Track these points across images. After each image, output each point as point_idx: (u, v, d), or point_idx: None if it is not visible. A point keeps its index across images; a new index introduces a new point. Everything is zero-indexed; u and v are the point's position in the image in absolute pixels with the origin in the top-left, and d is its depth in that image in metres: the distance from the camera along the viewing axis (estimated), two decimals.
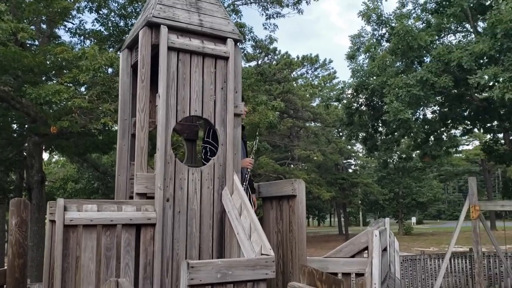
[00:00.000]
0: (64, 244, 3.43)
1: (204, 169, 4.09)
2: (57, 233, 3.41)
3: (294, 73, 34.70)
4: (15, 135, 15.85)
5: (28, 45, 15.42)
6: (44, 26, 15.51)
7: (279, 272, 4.56)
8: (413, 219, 59.99)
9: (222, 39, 4.29)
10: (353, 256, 4.66)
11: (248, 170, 4.56)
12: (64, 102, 10.56)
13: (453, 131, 18.32)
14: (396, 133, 17.20)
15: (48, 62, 11.45)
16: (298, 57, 33.71)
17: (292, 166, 32.12)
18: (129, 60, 4.43)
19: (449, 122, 16.92)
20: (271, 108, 13.45)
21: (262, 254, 3.58)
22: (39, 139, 14.24)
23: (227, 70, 4.25)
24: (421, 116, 17.21)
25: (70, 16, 14.02)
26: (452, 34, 17.56)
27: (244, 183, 4.45)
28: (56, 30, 16.44)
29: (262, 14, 15.93)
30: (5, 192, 17.99)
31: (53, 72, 12.07)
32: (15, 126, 16.00)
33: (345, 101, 18.57)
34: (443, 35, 16.88)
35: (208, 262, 3.23)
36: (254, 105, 13.14)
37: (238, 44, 4.42)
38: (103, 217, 3.56)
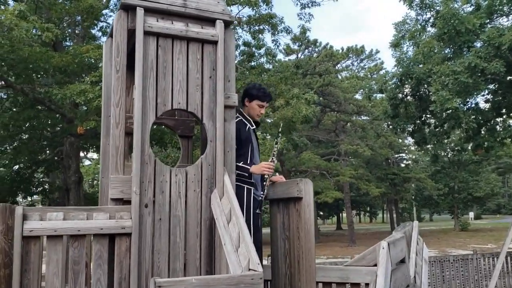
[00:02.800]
0: (23, 258, 3.04)
1: (190, 170, 3.58)
2: (14, 246, 3.01)
3: (338, 65, 33.69)
4: (48, 135, 16.07)
5: (65, 46, 15.60)
6: (78, 28, 15.61)
7: (287, 284, 4.01)
8: (471, 214, 57.26)
9: (211, 21, 3.76)
10: (377, 265, 4.03)
11: (266, 177, 3.89)
12: (89, 103, 10.40)
13: (509, 120, 16.92)
14: (445, 125, 16.07)
15: (75, 62, 11.36)
16: (342, 49, 32.69)
17: (338, 161, 31.16)
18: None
19: (503, 111, 15.58)
20: (304, 101, 12.78)
21: (249, 270, 3.03)
22: (75, 139, 14.33)
23: (216, 56, 3.71)
24: (472, 105, 16.00)
25: (101, 15, 13.96)
26: (505, 16, 16.16)
27: (262, 193, 3.87)
28: (92, 30, 16.55)
29: (297, 4, 15.25)
30: (45, 193, 18.38)
31: (81, 72, 11.99)
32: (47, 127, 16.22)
33: (389, 92, 17.58)
34: (494, 17, 15.55)
35: (179, 281, 2.72)
36: (287, 99, 12.54)
37: (230, 26, 3.88)
38: (69, 227, 3.14)
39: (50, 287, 3.07)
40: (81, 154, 19.06)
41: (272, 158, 3.93)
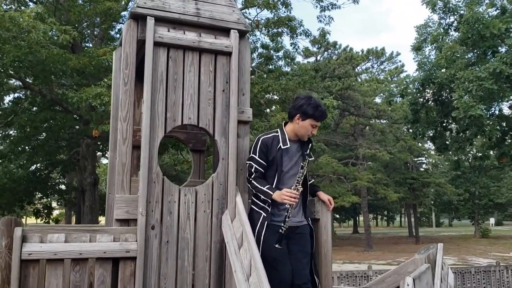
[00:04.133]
0: (21, 283, 2.87)
1: (200, 189, 3.37)
2: (12, 270, 2.84)
3: (358, 67, 33.27)
4: (65, 136, 16.10)
5: (84, 47, 15.60)
6: (97, 29, 15.60)
7: None
8: (492, 220, 56.08)
9: (225, 31, 3.55)
10: None
11: (288, 206, 3.19)
12: (105, 106, 10.31)
13: None
14: (468, 131, 15.61)
15: (92, 64, 11.30)
16: (362, 51, 32.26)
17: (356, 166, 30.73)
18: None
19: None
20: None
21: None
22: (92, 141, 14.29)
23: (230, 68, 3.50)
24: (496, 112, 15.49)
25: (119, 17, 13.90)
26: None
27: (283, 225, 3.18)
28: (111, 32, 16.53)
29: (316, 6, 14.96)
30: (61, 194, 18.44)
31: (98, 74, 11.93)
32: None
33: (409, 97, 17.15)
34: None
35: None
36: None
37: (245, 36, 3.66)
38: (70, 250, 2.96)
39: None
40: (98, 153, 19.07)
41: (296, 185, 3.24)
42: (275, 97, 14.89)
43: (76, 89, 11.87)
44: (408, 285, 2.50)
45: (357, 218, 58.30)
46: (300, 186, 3.24)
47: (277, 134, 3.46)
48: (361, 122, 30.39)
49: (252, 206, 3.44)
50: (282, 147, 3.39)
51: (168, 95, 3.34)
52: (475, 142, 26.62)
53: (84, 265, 3.02)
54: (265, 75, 14.22)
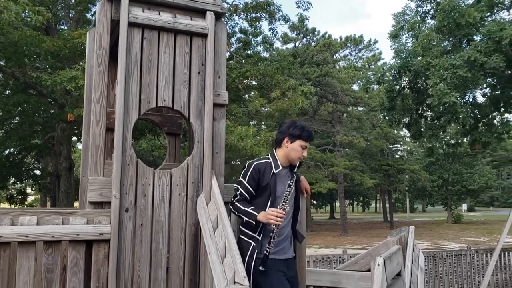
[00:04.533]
0: None
1: (175, 172, 3.36)
2: None
3: (336, 54, 33.39)
4: (39, 120, 15.77)
5: (59, 30, 15.24)
6: (72, 11, 15.24)
7: None
8: (464, 206, 57.50)
9: (200, 13, 3.51)
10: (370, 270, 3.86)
11: (273, 226, 3.11)
12: (80, 90, 10.12)
13: (506, 115, 16.75)
14: (442, 119, 15.88)
15: (67, 47, 11.05)
16: (341, 38, 32.36)
17: (333, 152, 31.01)
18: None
19: (501, 105, 15.38)
20: (301, 93, 12.52)
21: (235, 283, 2.84)
22: (67, 125, 14.04)
23: (206, 49, 3.47)
24: (470, 100, 15.78)
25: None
26: (506, 10, 15.87)
27: (268, 247, 3.11)
28: (87, 14, 16.17)
29: None
30: (36, 179, 18.12)
31: (73, 57, 11.67)
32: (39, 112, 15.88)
33: (386, 84, 17.33)
34: (495, 11, 15.26)
35: None
36: (283, 90, 12.28)
37: (221, 18, 3.63)
38: (42, 232, 2.92)
39: None
40: (74, 138, 18.76)
41: (283, 205, 3.13)
42: (254, 82, 14.85)
43: (51, 72, 11.61)
44: (378, 265, 2.55)
45: (334, 204, 59.00)
46: (287, 206, 3.14)
47: (269, 160, 3.36)
48: (338, 109, 30.60)
49: (241, 236, 3.28)
50: (275, 171, 3.30)
51: (143, 77, 3.30)
52: (449, 130, 27.14)
53: (56, 248, 2.99)
54: (243, 60, 14.14)
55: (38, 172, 19.62)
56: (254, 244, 3.20)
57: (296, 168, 3.34)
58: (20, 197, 19.00)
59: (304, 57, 23.76)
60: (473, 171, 42.58)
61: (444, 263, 11.19)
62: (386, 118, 18.18)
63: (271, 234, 3.12)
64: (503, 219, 9.91)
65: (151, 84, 3.31)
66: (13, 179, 17.60)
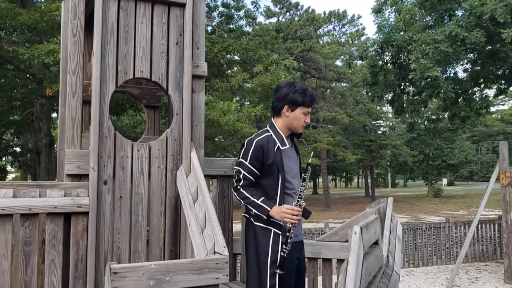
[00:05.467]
0: None
1: (154, 145, 3.33)
2: None
3: (320, 30, 33.21)
4: (18, 96, 15.46)
5: (35, 2, 14.82)
6: None
7: None
8: (444, 181, 58.57)
9: None
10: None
11: (290, 225, 2.78)
12: (59, 64, 9.91)
13: (486, 91, 16.96)
14: (423, 94, 16.02)
15: (44, 20, 10.76)
16: (324, 13, 32.13)
17: (316, 128, 31.14)
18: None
19: (481, 81, 15.56)
20: (284, 68, 12.46)
21: (215, 253, 2.86)
22: (46, 101, 13.80)
23: (184, 20, 3.41)
24: (451, 75, 15.93)
25: None
26: None
27: (285, 248, 2.79)
28: None
29: None
30: (16, 156, 17.87)
31: (51, 31, 11.39)
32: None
33: (369, 60, 17.35)
34: None
35: (137, 266, 2.52)
36: (266, 65, 12.19)
37: None
38: (19, 205, 2.89)
39: None
40: (54, 114, 18.48)
41: (298, 201, 2.78)
42: (236, 57, 14.72)
43: (28, 47, 11.33)
44: (355, 233, 2.58)
45: (317, 179, 59.59)
46: (303, 202, 2.80)
47: (270, 133, 2.96)
48: (322, 85, 30.61)
49: (256, 223, 2.90)
50: (281, 147, 2.92)
51: (119, 47, 3.24)
52: (430, 105, 27.40)
53: (34, 221, 2.96)
54: (225, 35, 13.99)
55: (18, 149, 19.34)
56: (276, 230, 2.86)
57: (310, 159, 3.00)
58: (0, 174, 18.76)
59: (288, 32, 23.60)
60: (453, 146, 43.25)
61: (424, 235, 11.43)
62: (369, 93, 18.27)
63: (287, 234, 2.78)
64: (482, 193, 10.14)
65: (128, 55, 3.25)
66: None
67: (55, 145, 16.41)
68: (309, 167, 2.85)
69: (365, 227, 2.79)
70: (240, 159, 2.91)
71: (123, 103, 12.44)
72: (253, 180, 2.89)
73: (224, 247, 2.81)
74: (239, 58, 14.60)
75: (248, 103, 17.12)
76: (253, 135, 3.01)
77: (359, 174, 71.24)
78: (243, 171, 2.88)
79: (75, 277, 3.04)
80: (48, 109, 14.17)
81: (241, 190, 2.89)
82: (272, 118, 3.06)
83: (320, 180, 48.52)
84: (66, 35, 3.51)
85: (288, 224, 2.78)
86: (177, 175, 3.35)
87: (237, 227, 5.66)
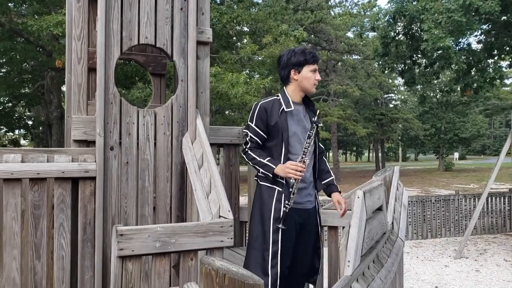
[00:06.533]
0: None
1: (159, 111, 3.34)
2: None
3: (331, 0, 32.64)
4: (28, 68, 15.50)
5: None
6: None
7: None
8: (456, 155, 58.21)
9: None
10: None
11: (293, 181, 2.87)
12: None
13: (500, 62, 16.65)
14: (435, 65, 15.81)
15: None
16: None
17: (327, 102, 30.96)
18: None
19: (495, 52, 15.27)
20: (293, 39, 12.30)
21: (220, 217, 2.90)
22: (56, 73, 13.85)
23: None
24: (464, 46, 15.65)
25: None
26: None
27: (287, 203, 2.87)
28: None
29: None
30: (28, 128, 18.06)
31: (59, 1, 11.34)
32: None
33: (380, 31, 17.09)
34: None
35: (143, 229, 2.57)
36: (275, 36, 12.04)
37: None
38: (27, 170, 2.94)
39: (9, 232, 2.92)
40: (64, 88, 18.56)
41: (302, 158, 2.84)
42: (245, 28, 14.57)
43: (37, 18, 11.31)
44: (358, 197, 2.60)
45: (327, 153, 59.58)
46: (307, 158, 2.87)
47: (278, 97, 3.02)
48: (333, 57, 30.26)
49: (261, 183, 2.99)
50: (286, 109, 2.96)
51: (124, 13, 3.22)
52: (442, 78, 27.05)
53: (42, 185, 3.02)
54: (234, 6, 13.82)
55: (30, 122, 19.55)
56: (279, 188, 2.92)
57: (315, 117, 3.01)
58: (13, 147, 19.02)
59: (298, 2, 23.21)
60: (465, 120, 42.83)
61: (433, 208, 11.43)
62: (380, 65, 18.05)
63: (290, 189, 2.86)
64: (493, 167, 10.06)
65: (132, 21, 3.24)
66: (5, 128, 17.53)
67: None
68: (313, 124, 2.93)
69: (368, 192, 2.80)
70: (248, 122, 3.03)
71: (132, 76, 12.45)
72: (260, 142, 2.99)
73: (229, 211, 2.85)
74: (248, 29, 14.45)
75: (257, 75, 17.02)
76: (261, 99, 3.11)
77: (370, 148, 71.04)
78: (250, 134, 2.99)
79: (83, 240, 3.10)
80: (58, 81, 14.23)
81: (249, 152, 3.00)
82: (283, 87, 3.10)
83: (331, 154, 48.57)
84: (71, 1, 3.50)
85: (291, 180, 2.85)
86: (182, 142, 3.37)
87: (242, 200, 5.72)
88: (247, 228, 4.58)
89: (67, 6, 3.54)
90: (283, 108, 2.96)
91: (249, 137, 2.99)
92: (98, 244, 3.11)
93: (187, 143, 3.34)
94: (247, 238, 4.72)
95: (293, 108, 2.99)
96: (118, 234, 2.46)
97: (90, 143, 3.24)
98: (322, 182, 3.18)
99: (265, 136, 2.97)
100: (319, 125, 3.04)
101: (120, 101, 3.22)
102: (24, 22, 11.22)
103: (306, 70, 2.99)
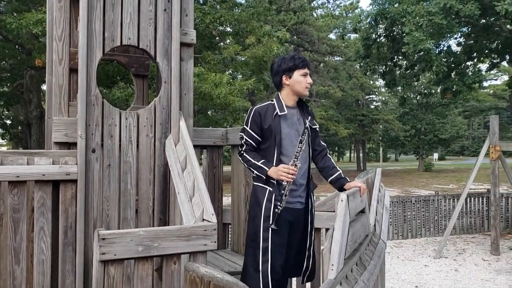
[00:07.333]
0: None
1: (142, 113, 3.31)
2: None
3: (314, 2, 32.80)
4: (7, 67, 15.21)
5: None
6: None
7: (245, 230, 3.92)
8: (435, 155, 59.02)
9: None
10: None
11: (285, 183, 2.94)
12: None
13: (479, 65, 16.94)
14: (416, 67, 15.99)
15: None
16: None
17: (309, 102, 31.08)
18: None
19: (474, 55, 15.53)
20: (276, 40, 12.31)
21: (203, 220, 2.89)
22: (36, 72, 13.62)
23: None
24: (444, 48, 15.87)
25: None
26: None
27: (279, 205, 2.94)
28: None
29: None
30: (6, 127, 17.72)
31: None
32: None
33: (362, 32, 17.22)
34: None
35: (125, 233, 2.54)
36: (258, 37, 12.04)
37: None
38: (6, 172, 2.88)
39: None
40: (44, 86, 18.26)
41: (294, 161, 2.94)
42: (228, 29, 14.53)
43: (16, 16, 11.10)
44: (342, 200, 2.61)
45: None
46: (299, 162, 2.96)
47: (273, 102, 3.12)
48: (315, 58, 30.40)
49: (255, 183, 3.09)
50: (279, 113, 3.04)
51: (106, 13, 3.18)
52: (422, 80, 27.41)
53: (22, 188, 2.96)
54: (217, 6, 13.77)
55: (8, 121, 19.18)
56: (271, 189, 3.00)
57: (308, 123, 3.04)
58: None
59: (281, 3, 23.26)
60: (445, 121, 43.41)
61: (413, 208, 11.58)
62: (362, 66, 18.20)
63: (282, 191, 2.94)
64: (472, 167, 10.24)
65: (115, 22, 3.20)
66: None
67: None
68: (305, 130, 3.01)
69: (351, 195, 2.82)
70: (244, 125, 3.12)
71: (113, 75, 12.30)
72: (254, 145, 3.08)
73: (213, 214, 2.83)
74: (231, 30, 14.41)
75: (240, 76, 16.98)
76: (257, 104, 3.20)
77: (351, 148, 71.62)
78: (245, 137, 3.08)
79: (64, 244, 3.06)
80: (38, 80, 13.98)
81: (244, 154, 3.09)
82: (278, 93, 3.20)
83: None
84: (52, 1, 3.45)
85: (284, 182, 2.94)
86: (165, 144, 3.35)
87: (225, 201, 5.70)
88: (230, 230, 4.58)
89: (48, 5, 3.48)
90: (277, 112, 3.05)
91: (244, 140, 3.08)
92: (79, 248, 3.06)
93: (170, 145, 3.32)
94: (229, 239, 4.72)
95: (286, 112, 3.08)
96: (100, 238, 2.42)
97: (71, 145, 3.19)
98: (331, 178, 3.25)
99: (259, 139, 3.06)
100: (314, 127, 3.16)
101: (102, 103, 3.18)
102: (2, 20, 10.99)
103: (297, 75, 3.09)
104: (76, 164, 3.07)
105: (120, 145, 3.23)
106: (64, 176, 3.02)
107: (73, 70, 3.31)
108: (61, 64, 3.14)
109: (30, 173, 2.93)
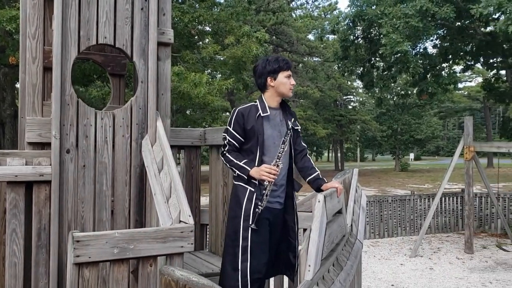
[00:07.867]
0: None
1: (118, 113, 3.27)
2: None
3: (293, 3, 32.94)
4: None
5: None
6: None
7: (223, 231, 3.92)
8: (411, 155, 59.93)
9: None
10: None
11: (266, 183, 2.96)
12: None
13: (454, 67, 17.28)
14: (393, 69, 16.21)
15: None
16: None
17: (288, 102, 31.20)
18: None
19: (449, 57, 15.82)
20: (255, 40, 12.31)
21: (180, 221, 2.86)
22: (9, 70, 13.32)
23: None
24: (421, 50, 16.13)
25: None
26: None
27: (260, 205, 2.95)
28: None
29: None
30: None
31: None
32: None
33: (340, 34, 17.36)
34: None
35: (100, 235, 2.50)
36: (237, 37, 12.01)
37: None
38: None
39: None
40: (19, 85, 17.87)
41: (276, 161, 2.97)
42: (207, 28, 14.46)
43: None
44: (319, 201, 2.62)
45: None
46: (281, 162, 3.00)
47: (256, 103, 3.14)
48: (294, 59, 30.51)
49: (236, 182, 3.11)
50: (262, 114, 3.06)
51: (82, 11, 3.12)
52: (399, 81, 27.79)
53: None
54: (196, 5, 13.69)
55: None
56: (252, 189, 3.01)
57: (291, 124, 3.10)
58: None
59: (260, 4, 23.29)
60: (421, 122, 44.14)
61: (389, 208, 11.73)
62: (340, 68, 18.35)
63: (263, 191, 2.95)
64: (447, 167, 10.44)
65: (90, 20, 3.15)
66: None
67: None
68: (288, 131, 3.06)
69: (328, 196, 2.83)
70: (227, 126, 3.13)
71: (90, 74, 12.12)
72: (237, 145, 3.10)
73: (190, 216, 2.81)
74: (210, 29, 14.35)
75: (219, 75, 16.92)
76: (240, 105, 3.22)
77: (329, 148, 72.17)
78: (228, 137, 3.10)
79: (38, 246, 2.99)
80: (12, 78, 13.68)
81: (227, 154, 3.10)
82: (261, 94, 3.23)
83: None
84: None
85: (265, 182, 2.95)
86: (142, 144, 3.31)
87: (203, 201, 5.66)
88: (208, 231, 4.55)
89: (21, 3, 3.41)
90: (260, 113, 3.07)
91: (227, 140, 3.10)
92: (53, 250, 3.00)
93: (146, 145, 3.28)
94: (207, 240, 4.70)
95: (269, 113, 3.10)
96: (75, 241, 2.38)
97: (45, 146, 3.13)
98: (309, 178, 3.26)
99: (242, 139, 3.07)
100: (296, 128, 3.18)
101: (77, 103, 3.12)
102: None
103: (282, 76, 3.12)
104: (50, 165, 3.01)
105: (95, 145, 3.18)
106: (37, 177, 2.96)
107: (47, 69, 3.25)
108: (35, 63, 3.07)
109: (2, 174, 2.86)
